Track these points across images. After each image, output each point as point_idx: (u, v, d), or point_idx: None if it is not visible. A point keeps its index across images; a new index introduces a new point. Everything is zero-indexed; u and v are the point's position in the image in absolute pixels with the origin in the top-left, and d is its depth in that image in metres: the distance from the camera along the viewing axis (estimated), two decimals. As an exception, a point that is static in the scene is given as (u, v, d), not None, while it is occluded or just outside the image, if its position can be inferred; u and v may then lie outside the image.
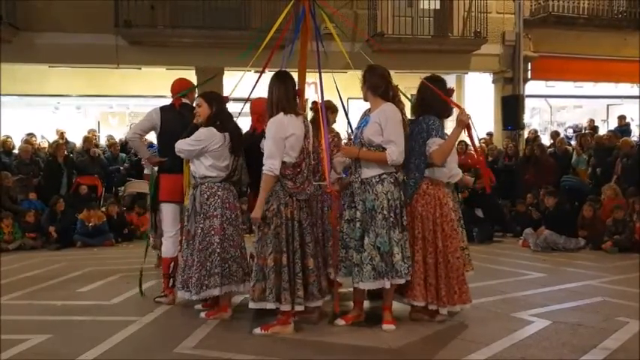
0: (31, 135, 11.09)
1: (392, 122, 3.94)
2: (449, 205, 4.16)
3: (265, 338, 3.88)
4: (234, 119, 4.56)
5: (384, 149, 3.94)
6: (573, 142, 12.00)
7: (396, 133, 3.94)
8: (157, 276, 5.08)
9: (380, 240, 3.92)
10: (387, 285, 3.95)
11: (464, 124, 4.01)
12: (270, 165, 3.83)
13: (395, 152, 3.90)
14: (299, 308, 3.90)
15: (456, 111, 4.26)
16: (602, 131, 12.91)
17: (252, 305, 3.92)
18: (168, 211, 4.79)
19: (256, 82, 5.15)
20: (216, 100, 4.41)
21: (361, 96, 4.22)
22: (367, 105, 4.20)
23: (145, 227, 8.28)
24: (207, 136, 4.23)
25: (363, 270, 3.93)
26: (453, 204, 4.48)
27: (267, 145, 3.87)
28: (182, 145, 4.28)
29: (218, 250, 4.20)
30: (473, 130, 4.20)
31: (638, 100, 13.83)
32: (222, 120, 4.33)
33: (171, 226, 4.81)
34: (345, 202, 4.14)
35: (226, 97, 4.69)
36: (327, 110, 4.90)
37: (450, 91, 4.32)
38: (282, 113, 3.92)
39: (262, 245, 3.87)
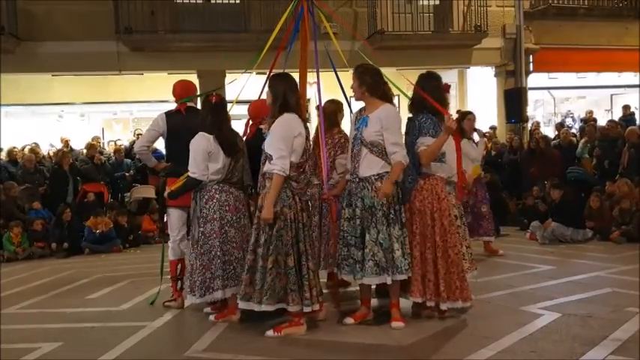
0: (35, 144, 11.17)
1: (395, 124, 3.99)
2: (448, 200, 4.14)
3: (275, 339, 3.89)
4: (229, 122, 4.55)
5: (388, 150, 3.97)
6: (573, 130, 11.96)
7: (399, 135, 4.00)
8: (166, 281, 5.10)
9: (381, 236, 3.94)
10: (388, 281, 3.96)
11: (451, 130, 3.97)
12: (282, 165, 3.78)
13: (403, 155, 3.95)
14: (307, 309, 3.91)
15: (453, 107, 4.27)
16: (604, 121, 12.85)
17: (241, 305, 3.94)
18: (174, 216, 4.79)
19: (264, 85, 5.16)
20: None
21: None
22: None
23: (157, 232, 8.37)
24: (199, 144, 4.21)
25: (365, 266, 3.95)
26: (455, 200, 4.48)
27: (275, 145, 3.81)
28: (195, 170, 4.20)
29: (219, 254, 4.20)
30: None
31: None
32: (209, 124, 4.29)
33: (177, 229, 4.81)
34: (344, 201, 4.16)
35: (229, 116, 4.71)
36: (336, 112, 4.92)
37: (446, 87, 4.31)
38: (288, 113, 3.91)
39: (266, 247, 3.85)
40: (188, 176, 4.25)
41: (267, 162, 3.93)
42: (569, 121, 14.12)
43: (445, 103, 4.26)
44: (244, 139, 4.70)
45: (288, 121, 3.89)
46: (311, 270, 3.94)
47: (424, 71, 4.41)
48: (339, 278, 4.38)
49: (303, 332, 3.97)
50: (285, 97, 3.94)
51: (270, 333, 3.96)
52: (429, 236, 4.06)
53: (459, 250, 4.12)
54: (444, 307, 4.06)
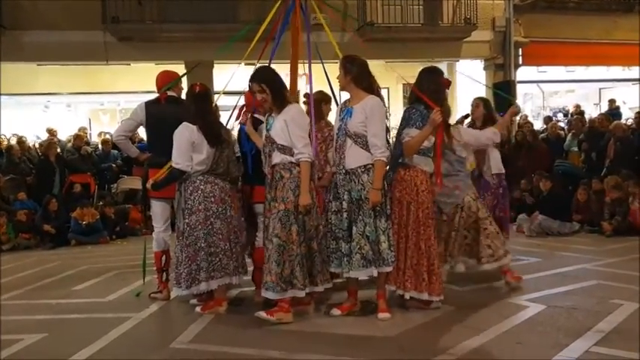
0: (16, 135, 11.06)
1: (377, 115, 3.97)
2: (429, 192, 4.12)
3: (261, 331, 3.88)
4: (215, 113, 4.52)
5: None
6: (562, 124, 12.05)
7: (381, 127, 3.99)
8: (151, 272, 5.07)
9: (368, 229, 3.94)
10: (375, 273, 3.99)
11: (435, 123, 3.98)
12: (309, 152, 3.96)
13: (382, 152, 3.94)
14: (328, 285, 4.13)
15: (451, 102, 4.28)
16: (594, 115, 12.95)
17: (273, 296, 3.93)
18: (157, 207, 4.75)
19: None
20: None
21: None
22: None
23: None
24: (182, 134, 4.17)
25: (352, 259, 3.96)
26: None
27: (298, 134, 3.93)
28: (179, 161, 4.16)
29: (203, 245, 4.17)
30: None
31: (629, 82, 13.87)
32: (193, 113, 4.25)
33: (160, 221, 4.77)
34: (330, 194, 4.15)
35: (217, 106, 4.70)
36: (320, 101, 4.88)
37: (446, 82, 4.31)
38: (290, 103, 4.04)
39: (290, 234, 3.91)
40: (172, 167, 4.20)
41: (277, 152, 3.99)
42: (560, 116, 14.20)
43: (439, 97, 4.20)
44: (237, 123, 4.67)
45: (300, 110, 4.12)
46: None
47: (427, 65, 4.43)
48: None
49: (290, 319, 3.98)
50: (285, 88, 4.12)
51: (262, 314, 3.94)
52: (403, 226, 4.08)
53: (433, 243, 4.13)
54: (407, 295, 4.08)
